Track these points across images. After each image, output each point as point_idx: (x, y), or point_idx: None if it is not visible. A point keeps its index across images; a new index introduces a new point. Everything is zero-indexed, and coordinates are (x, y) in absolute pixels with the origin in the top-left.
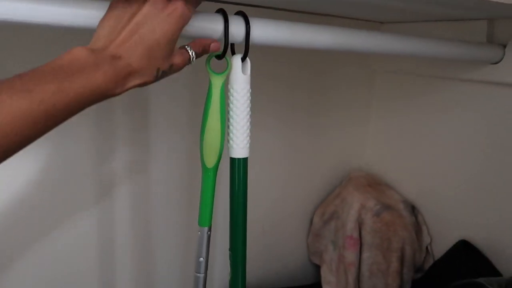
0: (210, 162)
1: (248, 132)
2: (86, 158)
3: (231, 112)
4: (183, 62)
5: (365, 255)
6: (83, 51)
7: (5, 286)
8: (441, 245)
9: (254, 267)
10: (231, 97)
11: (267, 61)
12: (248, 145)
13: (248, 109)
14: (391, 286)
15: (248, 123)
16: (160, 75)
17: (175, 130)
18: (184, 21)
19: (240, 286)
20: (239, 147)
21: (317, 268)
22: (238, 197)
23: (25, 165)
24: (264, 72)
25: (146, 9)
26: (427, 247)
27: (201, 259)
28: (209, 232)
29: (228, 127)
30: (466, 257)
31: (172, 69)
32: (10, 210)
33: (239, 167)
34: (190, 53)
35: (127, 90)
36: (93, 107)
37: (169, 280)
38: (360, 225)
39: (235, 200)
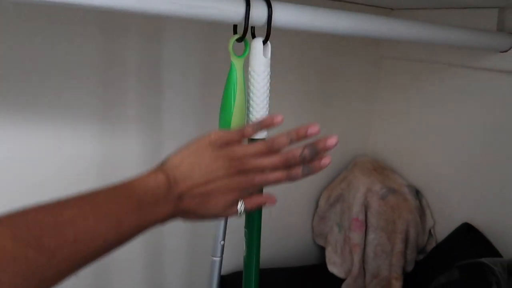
0: None
1: (266, 113)
2: (100, 136)
3: (251, 94)
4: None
5: (370, 236)
6: (164, 180)
7: None
8: (444, 228)
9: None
10: (251, 79)
11: (279, 46)
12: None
13: (268, 91)
14: (395, 266)
15: (267, 104)
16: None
17: (188, 104)
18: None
19: (254, 262)
20: None
21: (322, 249)
22: None
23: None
24: (276, 57)
25: (232, 183)
26: (430, 230)
27: (222, 242)
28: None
29: (248, 108)
30: (469, 239)
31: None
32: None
33: None
34: (239, 209)
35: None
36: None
37: (177, 245)
38: (366, 208)
39: None
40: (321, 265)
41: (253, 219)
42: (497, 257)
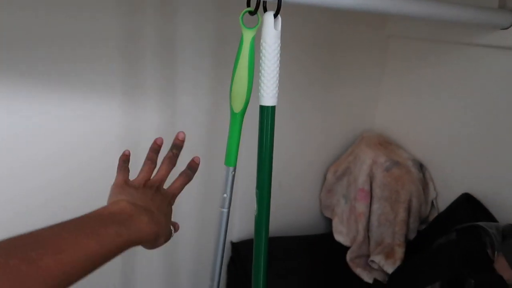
0: (237, 107)
1: (277, 82)
2: (121, 108)
3: (262, 64)
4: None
5: (375, 206)
6: (127, 203)
7: None
8: (446, 200)
9: (271, 218)
10: (263, 51)
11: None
12: (276, 94)
13: (278, 62)
14: (398, 234)
15: (277, 75)
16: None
17: (201, 73)
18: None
19: (264, 221)
20: (269, 96)
21: (329, 221)
22: (266, 141)
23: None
24: (286, 31)
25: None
26: (432, 201)
27: (225, 195)
28: (233, 172)
29: (260, 77)
30: (468, 208)
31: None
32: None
33: (267, 114)
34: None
35: (156, 241)
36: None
37: (190, 212)
38: (371, 179)
39: (263, 144)
40: (328, 234)
41: (264, 180)
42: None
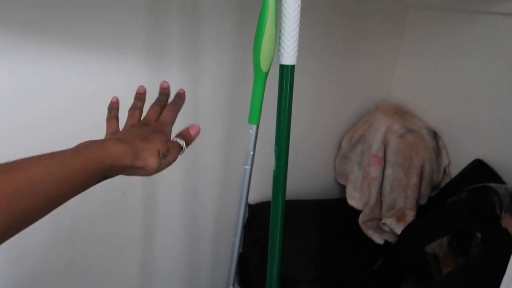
0: (265, 66)
1: (296, 42)
2: (146, 70)
3: (283, 24)
4: (177, 148)
5: (388, 171)
6: (91, 140)
7: None
8: (458, 167)
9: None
10: (284, 11)
11: None
12: (296, 54)
13: (298, 21)
14: (409, 198)
15: (297, 34)
16: (162, 157)
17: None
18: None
19: (282, 176)
20: (289, 55)
21: (343, 187)
22: (285, 99)
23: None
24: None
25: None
26: (445, 168)
27: (251, 153)
28: (257, 130)
29: (280, 37)
30: (479, 173)
31: (170, 153)
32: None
33: (287, 73)
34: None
35: (135, 165)
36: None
37: (212, 168)
38: (385, 145)
39: (282, 102)
40: (342, 199)
41: (282, 137)
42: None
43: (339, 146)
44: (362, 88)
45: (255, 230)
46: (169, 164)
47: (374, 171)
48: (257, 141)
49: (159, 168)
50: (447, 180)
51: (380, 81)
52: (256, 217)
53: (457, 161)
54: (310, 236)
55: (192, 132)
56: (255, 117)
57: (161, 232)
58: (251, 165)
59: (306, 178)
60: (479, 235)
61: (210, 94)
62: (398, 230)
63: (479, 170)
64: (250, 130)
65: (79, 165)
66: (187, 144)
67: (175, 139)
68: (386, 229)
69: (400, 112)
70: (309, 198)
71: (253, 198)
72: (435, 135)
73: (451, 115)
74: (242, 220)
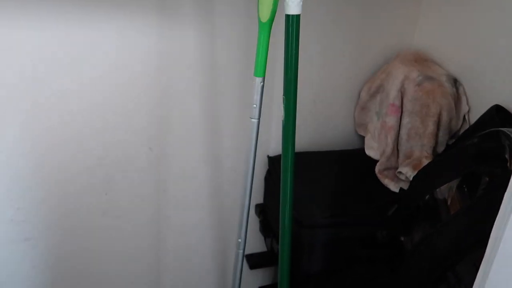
0: (264, 16)
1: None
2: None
3: None
4: None
5: (405, 120)
6: None
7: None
8: (479, 115)
9: (305, 135)
10: None
11: None
12: (301, 3)
13: None
14: (426, 146)
15: None
16: None
17: None
18: None
19: (291, 126)
20: (294, 4)
21: (362, 138)
22: (291, 50)
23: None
24: None
25: None
26: (464, 116)
27: (255, 105)
28: (262, 82)
29: None
30: (497, 119)
31: None
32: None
33: (292, 23)
34: None
35: None
36: None
37: (226, 120)
38: (402, 94)
39: (288, 53)
40: (360, 150)
41: (290, 87)
42: None
43: (358, 96)
44: (384, 37)
45: (275, 182)
46: None
47: (391, 120)
48: (278, 89)
49: None
50: (466, 127)
51: (402, 29)
52: (275, 168)
53: (478, 108)
54: (327, 185)
55: None
56: (260, 69)
57: (188, 177)
58: (258, 118)
59: (326, 129)
60: (486, 178)
61: (223, 51)
62: None
63: (497, 115)
64: (258, 83)
65: None
66: None
67: None
68: (402, 177)
69: (419, 60)
70: (329, 150)
71: (273, 150)
72: (455, 82)
73: (473, 62)
74: (252, 169)
